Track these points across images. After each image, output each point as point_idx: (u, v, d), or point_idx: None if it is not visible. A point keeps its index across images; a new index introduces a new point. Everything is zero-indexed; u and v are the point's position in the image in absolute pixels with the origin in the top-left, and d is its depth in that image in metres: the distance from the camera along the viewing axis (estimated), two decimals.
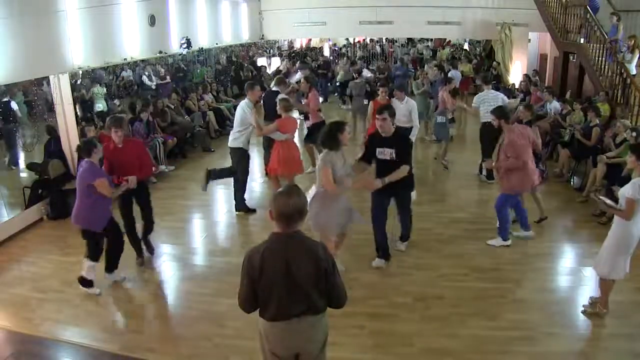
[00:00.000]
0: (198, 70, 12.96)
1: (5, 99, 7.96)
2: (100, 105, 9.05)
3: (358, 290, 4.54)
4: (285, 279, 2.47)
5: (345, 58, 16.22)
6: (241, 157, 6.44)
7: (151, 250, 5.48)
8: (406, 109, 6.91)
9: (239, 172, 6.51)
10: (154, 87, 10.99)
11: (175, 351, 3.94)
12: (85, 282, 4.68)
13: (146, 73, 10.99)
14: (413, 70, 15.01)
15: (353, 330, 4.07)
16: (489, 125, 6.41)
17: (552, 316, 4.25)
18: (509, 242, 5.52)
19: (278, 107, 6.45)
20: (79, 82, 9.11)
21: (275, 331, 2.58)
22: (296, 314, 2.53)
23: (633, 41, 8.48)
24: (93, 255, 4.65)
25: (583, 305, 4.33)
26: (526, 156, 5.32)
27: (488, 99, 7.29)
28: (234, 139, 6.41)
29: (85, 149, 4.50)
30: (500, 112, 5.57)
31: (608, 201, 4.13)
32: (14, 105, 7.99)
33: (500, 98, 7.41)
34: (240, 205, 6.61)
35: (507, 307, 4.40)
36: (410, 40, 19.94)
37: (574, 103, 8.70)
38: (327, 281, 2.53)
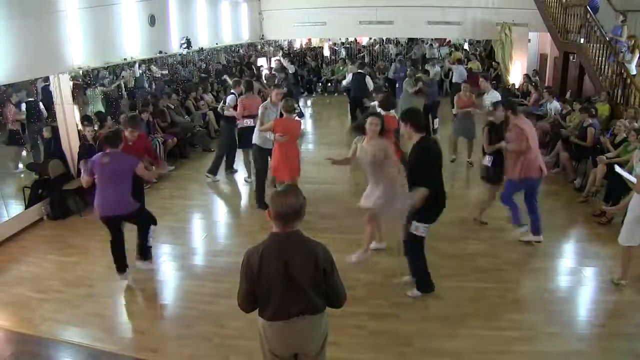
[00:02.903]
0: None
1: (30, 99, 8.14)
2: (91, 108, 9.01)
3: (358, 290, 4.55)
4: (284, 278, 2.47)
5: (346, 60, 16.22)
6: (256, 153, 6.65)
7: (145, 255, 5.11)
8: None
9: (256, 168, 6.73)
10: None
11: (175, 351, 3.94)
12: (148, 252, 5.02)
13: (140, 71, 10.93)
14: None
15: (353, 330, 4.07)
16: None
17: (552, 316, 4.25)
18: (525, 228, 5.56)
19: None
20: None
21: (274, 331, 2.58)
22: (295, 313, 2.53)
23: (633, 41, 8.49)
24: (154, 219, 4.98)
25: (612, 277, 4.68)
26: (531, 143, 5.22)
27: None
28: (254, 136, 6.64)
29: (114, 139, 4.59)
30: (508, 103, 5.61)
31: (623, 172, 4.78)
32: (40, 105, 8.17)
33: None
34: (260, 202, 6.61)
35: (507, 307, 4.40)
36: (411, 40, 19.89)
37: (573, 103, 8.69)
38: (326, 281, 2.53)
